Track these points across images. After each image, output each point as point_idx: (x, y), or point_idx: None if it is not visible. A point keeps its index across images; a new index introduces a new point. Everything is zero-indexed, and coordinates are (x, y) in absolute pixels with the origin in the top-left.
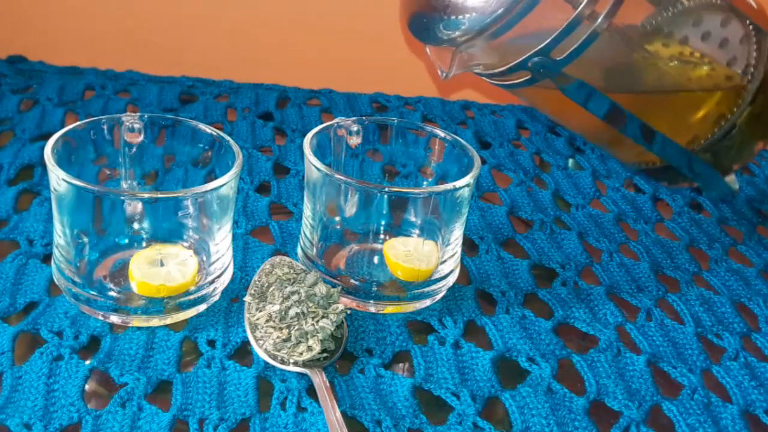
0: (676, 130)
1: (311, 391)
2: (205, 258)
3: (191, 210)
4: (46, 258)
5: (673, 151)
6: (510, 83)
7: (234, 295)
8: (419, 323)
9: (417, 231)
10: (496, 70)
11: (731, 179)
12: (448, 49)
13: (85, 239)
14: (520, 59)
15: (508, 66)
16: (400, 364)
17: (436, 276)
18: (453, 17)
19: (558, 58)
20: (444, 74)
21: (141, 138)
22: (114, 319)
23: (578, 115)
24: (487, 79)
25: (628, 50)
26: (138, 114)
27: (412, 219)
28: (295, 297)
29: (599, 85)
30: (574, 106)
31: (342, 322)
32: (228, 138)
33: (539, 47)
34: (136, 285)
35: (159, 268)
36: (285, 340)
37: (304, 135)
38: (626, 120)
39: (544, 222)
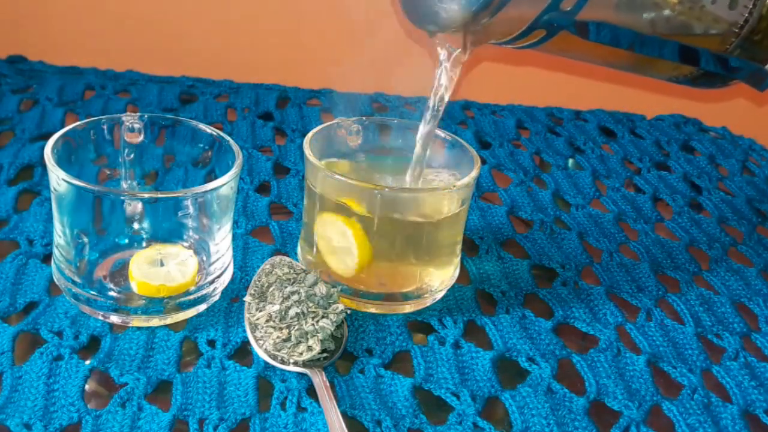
0: (704, 38)
1: (311, 391)
2: (205, 258)
3: (191, 210)
4: (46, 258)
5: (709, 59)
6: (527, 44)
7: (234, 295)
8: (419, 323)
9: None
10: (511, 37)
11: None
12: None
13: (85, 239)
14: (531, 21)
15: (521, 30)
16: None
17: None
18: None
19: (568, 8)
20: (460, 53)
21: (141, 138)
22: (114, 319)
23: (604, 50)
24: (504, 45)
25: None
26: (138, 114)
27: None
28: (295, 297)
29: (616, 20)
30: (597, 44)
31: (342, 322)
32: (228, 138)
33: (547, 3)
34: (136, 285)
35: (159, 268)
36: (285, 340)
37: (304, 135)
38: (655, 45)
39: (544, 222)
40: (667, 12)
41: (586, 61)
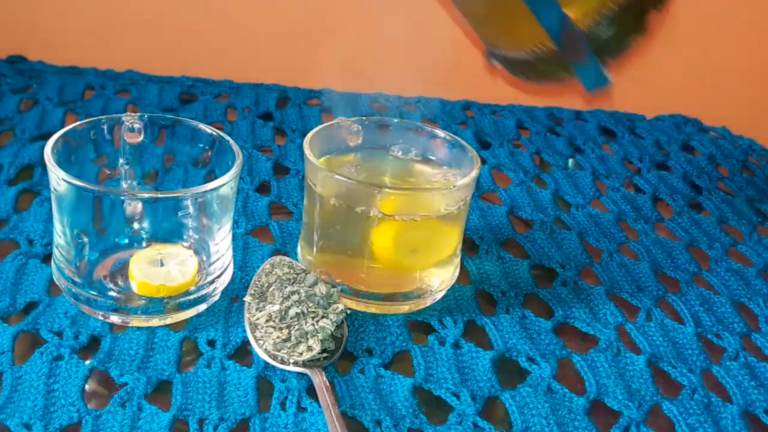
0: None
1: (311, 391)
2: (205, 258)
3: (191, 210)
4: (46, 258)
5: (564, 26)
6: None
7: (234, 295)
8: (419, 323)
9: None
10: None
11: (606, 71)
12: None
13: (85, 239)
14: None
15: None
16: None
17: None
18: None
19: None
20: None
21: (141, 138)
22: (114, 319)
23: None
24: None
25: None
26: (138, 114)
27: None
28: (295, 297)
29: None
30: None
31: (342, 322)
32: (228, 138)
33: None
34: (136, 285)
35: (159, 268)
36: (285, 340)
37: (304, 135)
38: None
39: (544, 222)
40: None
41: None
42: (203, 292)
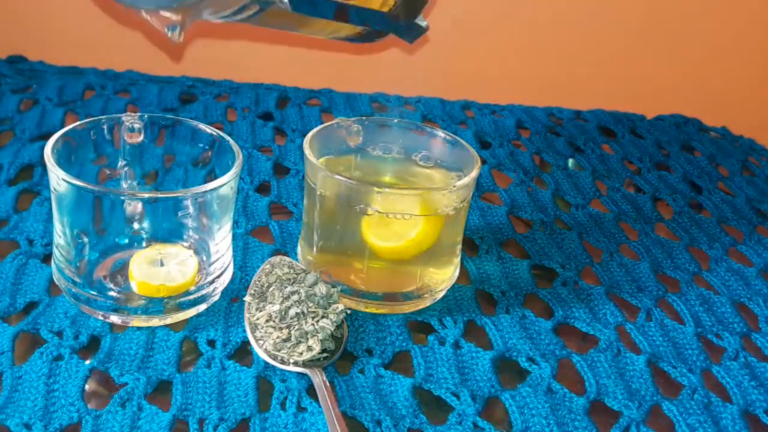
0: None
1: (311, 391)
2: (205, 258)
3: (191, 210)
4: (46, 258)
5: (381, 19)
6: (242, 18)
7: (234, 295)
8: (419, 323)
9: None
10: (226, 12)
11: (420, 19)
12: (168, 10)
13: (85, 239)
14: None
15: (238, 6)
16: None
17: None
18: None
19: None
20: (175, 35)
21: (141, 138)
22: (114, 319)
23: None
24: (216, 19)
25: None
26: (138, 114)
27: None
28: (295, 297)
29: None
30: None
31: (342, 322)
32: (228, 138)
33: None
34: (136, 285)
35: (159, 268)
36: (285, 340)
37: (304, 135)
38: (348, 14)
39: (544, 222)
40: None
41: (286, 29)
42: (203, 292)
